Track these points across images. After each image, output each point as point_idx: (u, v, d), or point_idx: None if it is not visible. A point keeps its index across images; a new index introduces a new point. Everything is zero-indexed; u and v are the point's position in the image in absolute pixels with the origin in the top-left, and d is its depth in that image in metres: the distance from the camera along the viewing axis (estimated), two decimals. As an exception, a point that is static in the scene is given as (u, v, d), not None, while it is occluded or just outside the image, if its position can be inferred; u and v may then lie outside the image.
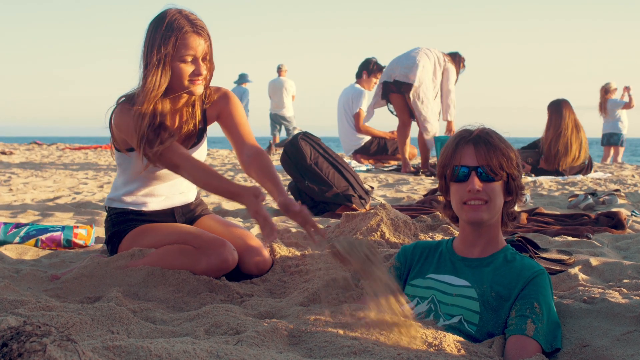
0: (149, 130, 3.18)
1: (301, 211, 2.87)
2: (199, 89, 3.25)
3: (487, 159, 2.47)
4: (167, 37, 3.11)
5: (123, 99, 3.35)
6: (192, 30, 3.15)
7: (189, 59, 3.17)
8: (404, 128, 10.33)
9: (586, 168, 10.32)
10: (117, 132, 3.33)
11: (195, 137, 3.45)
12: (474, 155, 2.49)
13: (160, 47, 3.12)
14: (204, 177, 3.15)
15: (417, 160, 12.07)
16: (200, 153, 3.52)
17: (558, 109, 10.14)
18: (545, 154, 10.08)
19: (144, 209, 3.54)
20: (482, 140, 2.50)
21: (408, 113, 10.18)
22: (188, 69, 3.18)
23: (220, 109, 3.45)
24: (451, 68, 10.15)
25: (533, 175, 9.92)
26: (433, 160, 11.76)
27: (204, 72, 3.22)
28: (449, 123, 10.28)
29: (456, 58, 10.39)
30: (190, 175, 3.20)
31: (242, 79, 18.37)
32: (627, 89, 15.44)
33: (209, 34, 3.24)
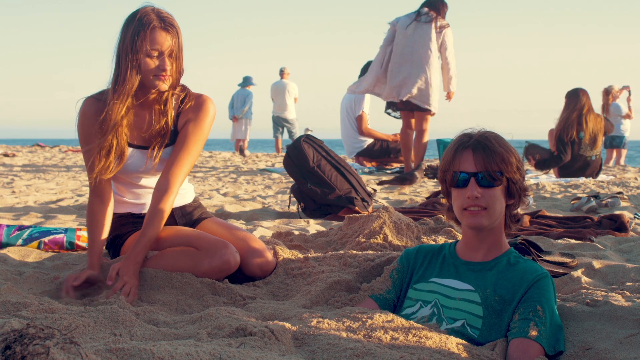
0: (113, 129, 3.25)
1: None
2: (163, 85, 3.26)
3: (485, 165, 2.46)
4: (137, 32, 3.16)
5: (84, 98, 3.38)
6: (159, 26, 3.19)
7: (155, 53, 3.20)
8: (407, 131, 10.19)
9: (599, 168, 10.37)
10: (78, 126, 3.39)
11: (168, 137, 3.42)
12: (472, 161, 2.48)
13: (131, 43, 3.16)
14: (88, 222, 3.42)
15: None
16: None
17: (575, 93, 10.28)
18: (560, 136, 10.09)
19: (144, 211, 3.54)
20: (481, 145, 2.49)
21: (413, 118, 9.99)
22: (152, 63, 3.21)
23: (187, 119, 3.41)
24: (448, 33, 9.62)
25: (538, 171, 9.87)
26: (436, 162, 11.76)
27: (168, 67, 3.23)
28: (450, 93, 9.81)
29: (444, 8, 9.72)
30: (87, 210, 3.44)
31: (246, 81, 18.39)
32: (626, 88, 15.44)
33: (179, 33, 3.27)
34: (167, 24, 3.21)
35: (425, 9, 9.50)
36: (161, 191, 3.30)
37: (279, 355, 2.00)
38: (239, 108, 18.45)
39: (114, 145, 3.28)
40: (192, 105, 3.41)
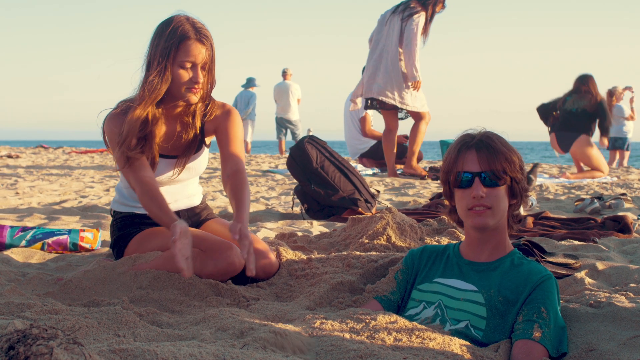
0: (137, 133, 3.22)
1: (242, 238, 2.93)
2: (194, 97, 3.26)
3: (490, 164, 2.46)
4: (171, 41, 3.13)
5: (121, 102, 3.38)
6: (195, 38, 3.17)
7: (189, 65, 3.19)
8: (389, 134, 10.13)
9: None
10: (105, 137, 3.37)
11: (195, 147, 3.46)
12: (476, 160, 2.48)
13: (163, 51, 3.14)
14: (148, 202, 3.19)
15: (422, 164, 12.05)
16: (200, 162, 3.56)
17: (584, 80, 10.73)
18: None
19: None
20: (485, 145, 2.49)
21: (396, 119, 10.02)
22: (186, 75, 3.20)
23: (218, 123, 3.45)
24: (411, 22, 9.34)
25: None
26: (439, 164, 11.75)
27: (201, 80, 3.22)
28: (414, 83, 9.51)
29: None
30: (140, 198, 3.25)
31: (250, 83, 18.42)
32: (629, 89, 15.43)
33: (213, 45, 3.25)
34: (202, 35, 3.19)
35: (413, 3, 9.45)
36: (237, 171, 3.33)
37: (282, 356, 1.99)
38: (242, 109, 18.47)
39: (147, 148, 3.28)
40: (222, 112, 3.46)
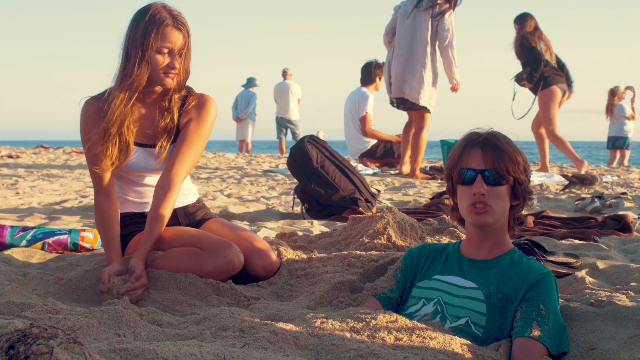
0: (118, 123, 3.26)
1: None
2: (171, 82, 3.28)
3: (493, 163, 2.47)
4: (149, 28, 3.18)
5: (86, 98, 3.40)
6: (172, 24, 3.22)
7: (165, 51, 3.23)
8: (408, 129, 10.09)
9: None
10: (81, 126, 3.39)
11: (173, 135, 3.44)
12: (481, 158, 2.49)
13: (142, 38, 3.18)
14: (99, 230, 3.40)
15: (424, 163, 12.05)
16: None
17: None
18: None
19: (147, 210, 3.55)
20: (490, 143, 2.50)
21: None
22: (163, 60, 3.23)
23: (188, 118, 3.43)
24: (445, 20, 9.21)
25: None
26: (440, 163, 11.75)
27: (178, 65, 3.26)
28: (454, 85, 9.48)
29: None
30: (95, 210, 3.42)
31: (250, 83, 18.42)
32: (630, 88, 15.43)
33: (189, 33, 3.30)
34: (179, 22, 3.24)
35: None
36: (163, 189, 3.32)
37: (282, 355, 1.99)
38: (242, 109, 18.47)
39: (119, 139, 3.29)
40: (195, 105, 3.43)
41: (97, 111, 3.32)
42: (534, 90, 10.44)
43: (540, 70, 10.17)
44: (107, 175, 3.37)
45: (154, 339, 2.26)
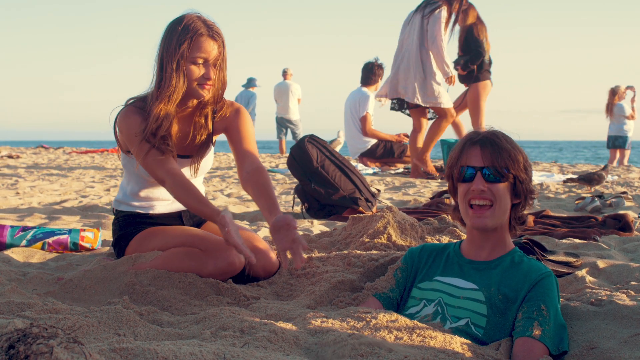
0: (157, 132, 3.20)
1: (291, 233, 2.90)
2: (205, 93, 3.26)
3: (492, 160, 2.48)
4: (183, 38, 3.16)
5: (132, 100, 3.37)
6: (207, 34, 3.19)
7: (200, 61, 3.20)
8: (414, 133, 10.09)
9: None
10: (119, 134, 3.35)
11: (208, 147, 3.47)
12: (480, 156, 2.50)
13: (176, 49, 3.15)
14: (184, 196, 3.18)
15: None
16: (207, 161, 3.55)
17: None
18: None
19: (151, 212, 3.54)
20: (489, 141, 2.51)
21: (420, 118, 9.92)
22: (198, 71, 3.21)
23: (229, 122, 3.44)
24: (434, 18, 9.23)
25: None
26: (440, 163, 11.74)
27: (213, 76, 3.23)
28: (449, 79, 9.45)
29: None
30: (172, 191, 3.23)
31: (250, 83, 18.42)
32: (630, 88, 15.43)
33: (224, 43, 3.27)
34: (214, 31, 3.22)
35: None
36: (258, 169, 3.30)
37: (282, 355, 1.99)
38: (242, 109, 18.46)
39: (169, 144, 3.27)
40: (232, 111, 3.44)
41: (140, 118, 3.28)
42: (464, 80, 10.36)
43: (477, 63, 10.14)
44: (169, 158, 3.26)
45: (154, 339, 2.25)
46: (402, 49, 9.62)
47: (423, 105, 9.51)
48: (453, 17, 9.37)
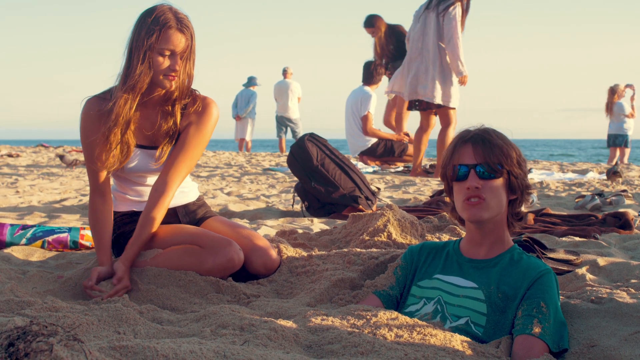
0: (117, 120, 3.25)
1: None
2: (170, 84, 3.28)
3: (485, 157, 2.48)
4: (152, 29, 3.17)
5: (88, 97, 3.39)
6: (176, 27, 3.21)
7: (167, 53, 3.22)
8: (421, 132, 10.02)
9: None
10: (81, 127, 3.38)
11: (175, 138, 3.43)
12: (472, 153, 2.50)
13: (145, 40, 3.17)
14: (92, 228, 3.40)
15: (424, 162, 12.03)
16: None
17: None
18: None
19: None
20: (480, 138, 2.51)
21: (430, 118, 9.85)
22: (164, 62, 3.22)
23: (189, 121, 3.42)
24: (449, 15, 9.12)
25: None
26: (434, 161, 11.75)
27: (178, 68, 3.25)
28: (461, 79, 9.35)
29: None
30: (89, 216, 3.43)
31: (251, 82, 18.43)
32: (630, 87, 15.43)
33: (193, 37, 3.28)
34: (183, 25, 3.22)
35: None
36: (158, 192, 3.32)
37: (282, 353, 1.99)
38: (242, 107, 18.48)
39: (121, 140, 3.28)
40: (196, 108, 3.41)
41: (99, 111, 3.31)
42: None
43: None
44: (104, 175, 3.38)
45: (154, 337, 2.25)
46: (415, 47, 9.50)
47: (443, 105, 9.41)
48: (465, 11, 9.30)
